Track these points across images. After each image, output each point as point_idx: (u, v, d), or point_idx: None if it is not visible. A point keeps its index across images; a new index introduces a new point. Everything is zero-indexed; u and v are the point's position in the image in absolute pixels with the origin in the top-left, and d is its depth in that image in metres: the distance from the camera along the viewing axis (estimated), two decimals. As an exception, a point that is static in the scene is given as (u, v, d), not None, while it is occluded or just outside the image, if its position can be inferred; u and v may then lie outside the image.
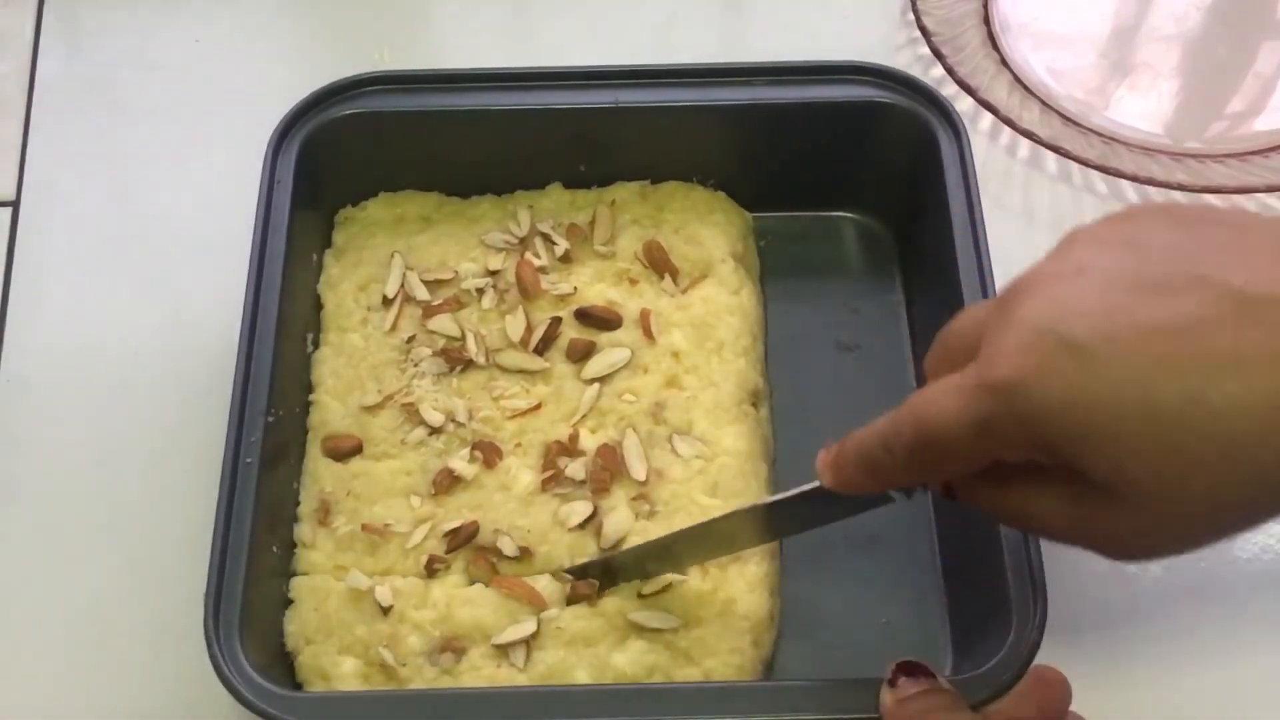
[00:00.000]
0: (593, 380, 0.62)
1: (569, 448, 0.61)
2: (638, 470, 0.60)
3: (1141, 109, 0.76)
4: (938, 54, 0.75)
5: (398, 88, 0.66)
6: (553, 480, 0.60)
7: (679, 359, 0.63)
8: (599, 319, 0.64)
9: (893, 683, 0.50)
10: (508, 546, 0.58)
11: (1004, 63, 0.77)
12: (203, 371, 0.66)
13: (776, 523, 0.55)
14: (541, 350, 0.63)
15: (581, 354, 0.63)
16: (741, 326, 0.64)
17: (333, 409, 0.62)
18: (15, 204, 0.73)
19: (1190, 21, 0.80)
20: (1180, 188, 0.71)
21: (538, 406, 0.62)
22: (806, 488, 0.50)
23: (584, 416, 0.61)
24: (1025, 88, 0.76)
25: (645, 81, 0.66)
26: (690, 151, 0.67)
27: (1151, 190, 0.72)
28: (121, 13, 0.80)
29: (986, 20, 0.78)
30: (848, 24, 0.79)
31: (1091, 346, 0.39)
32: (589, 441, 0.61)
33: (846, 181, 0.69)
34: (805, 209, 0.71)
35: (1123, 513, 0.41)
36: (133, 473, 0.65)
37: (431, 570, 0.58)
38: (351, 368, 0.63)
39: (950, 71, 0.75)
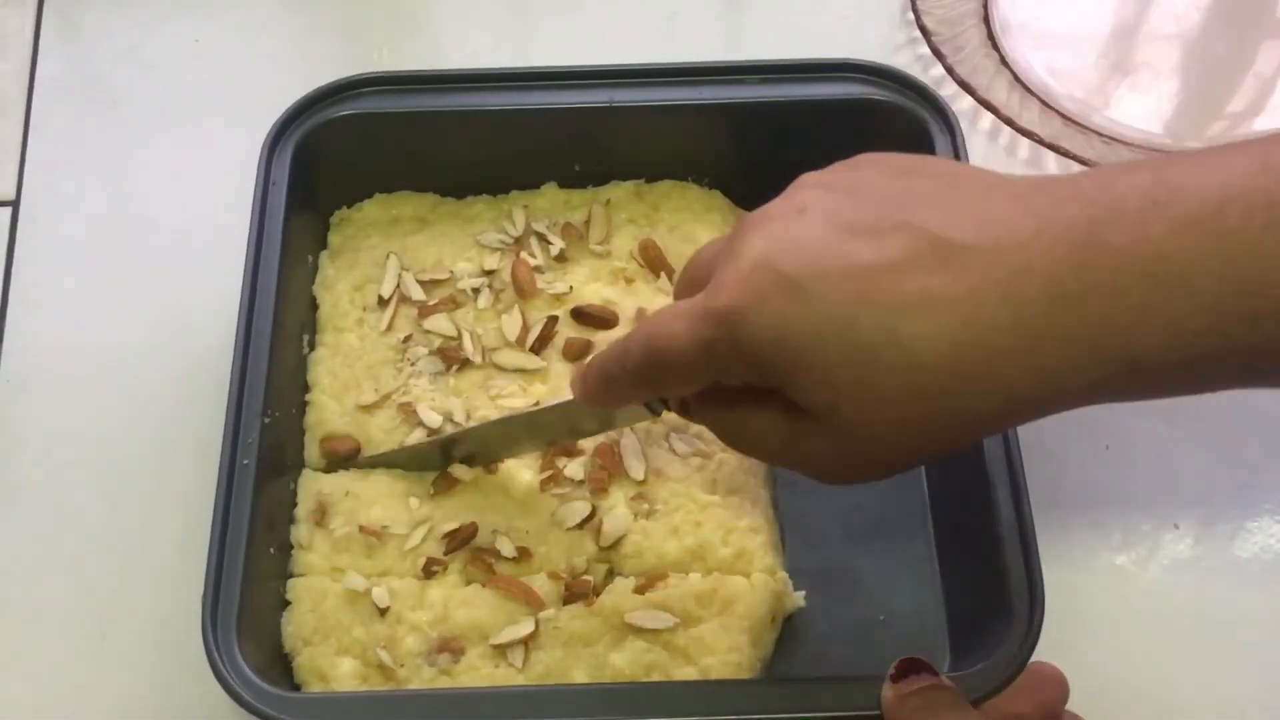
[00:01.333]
0: (590, 380, 0.62)
1: (567, 447, 0.60)
2: (636, 469, 0.60)
3: (1141, 109, 0.76)
4: (937, 54, 0.75)
5: (392, 88, 0.66)
6: (551, 480, 0.60)
7: (676, 358, 0.63)
8: (595, 318, 0.64)
9: (895, 679, 0.50)
10: (506, 547, 0.58)
11: (1004, 62, 0.76)
12: (200, 372, 0.66)
13: (546, 429, 0.59)
14: (538, 349, 0.63)
15: (578, 353, 0.63)
16: (738, 325, 0.64)
17: (330, 409, 0.62)
18: (15, 204, 0.73)
19: (1190, 21, 0.79)
20: (1180, 186, 0.70)
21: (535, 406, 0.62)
22: (564, 400, 0.55)
23: (582, 416, 0.61)
24: (1025, 87, 0.75)
25: (640, 80, 0.66)
26: (685, 150, 0.67)
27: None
28: (121, 13, 0.80)
29: (986, 20, 0.78)
30: (848, 24, 0.79)
31: (802, 281, 0.42)
32: (587, 441, 0.61)
33: (843, 180, 0.69)
34: (802, 208, 0.70)
35: (826, 437, 0.44)
36: (131, 473, 0.65)
37: (429, 572, 0.58)
38: (348, 368, 0.63)
39: (950, 71, 0.75)
